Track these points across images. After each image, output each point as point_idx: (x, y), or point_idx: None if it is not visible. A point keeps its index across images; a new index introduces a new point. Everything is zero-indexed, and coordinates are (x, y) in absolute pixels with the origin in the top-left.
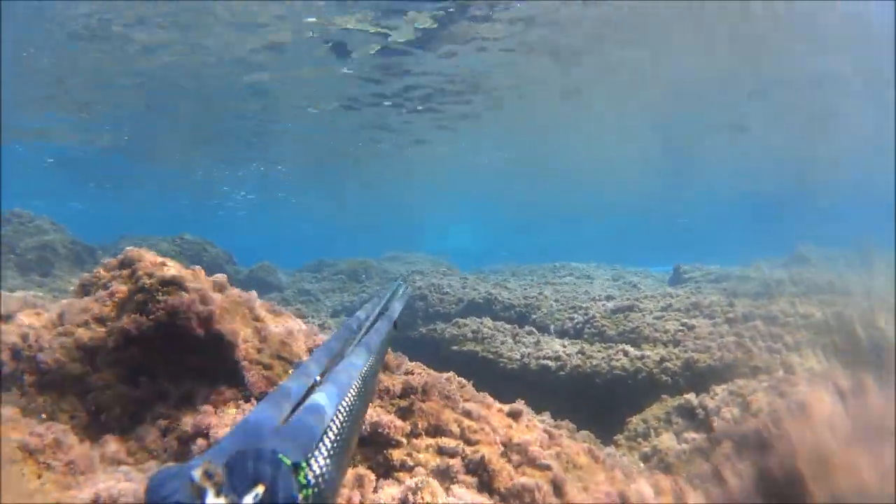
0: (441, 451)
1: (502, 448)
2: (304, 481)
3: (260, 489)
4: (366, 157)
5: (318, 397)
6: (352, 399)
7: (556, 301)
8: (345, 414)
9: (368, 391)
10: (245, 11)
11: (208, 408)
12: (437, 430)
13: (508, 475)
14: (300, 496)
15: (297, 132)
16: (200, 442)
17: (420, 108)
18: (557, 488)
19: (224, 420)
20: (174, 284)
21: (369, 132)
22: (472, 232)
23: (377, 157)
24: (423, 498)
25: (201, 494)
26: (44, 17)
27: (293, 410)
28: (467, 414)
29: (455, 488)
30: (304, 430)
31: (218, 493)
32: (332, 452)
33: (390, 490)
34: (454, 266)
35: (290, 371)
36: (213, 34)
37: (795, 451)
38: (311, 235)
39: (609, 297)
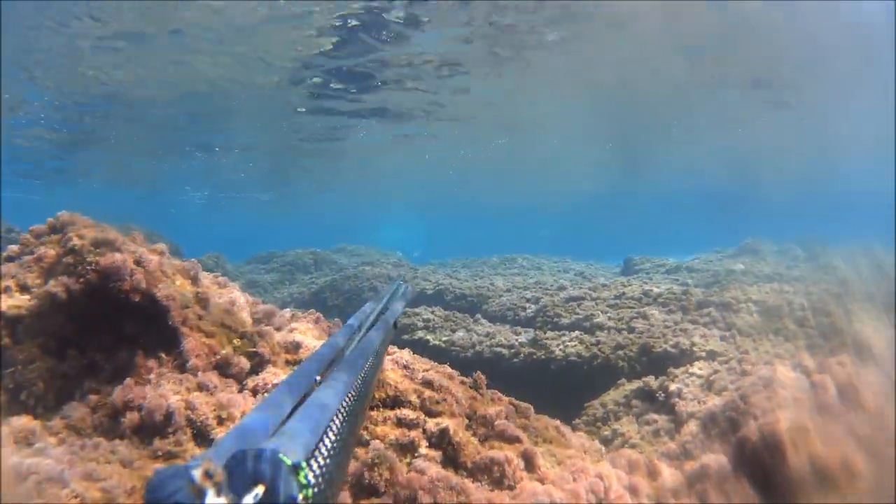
0: (400, 423)
1: (466, 421)
2: (304, 481)
3: (260, 489)
4: (316, 146)
5: (320, 396)
6: (352, 399)
7: (508, 291)
8: (345, 413)
9: (369, 391)
10: None
11: (142, 377)
12: (395, 402)
13: (475, 449)
14: (300, 496)
15: (250, 109)
16: (131, 415)
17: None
18: (529, 462)
19: (161, 391)
20: (108, 245)
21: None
22: (420, 227)
23: (328, 146)
24: (381, 475)
25: (201, 494)
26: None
27: (294, 409)
28: (428, 384)
29: (418, 463)
30: (305, 429)
31: (218, 493)
32: (332, 452)
33: None
34: (404, 258)
35: (234, 341)
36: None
37: (773, 419)
38: (258, 229)
39: (561, 287)
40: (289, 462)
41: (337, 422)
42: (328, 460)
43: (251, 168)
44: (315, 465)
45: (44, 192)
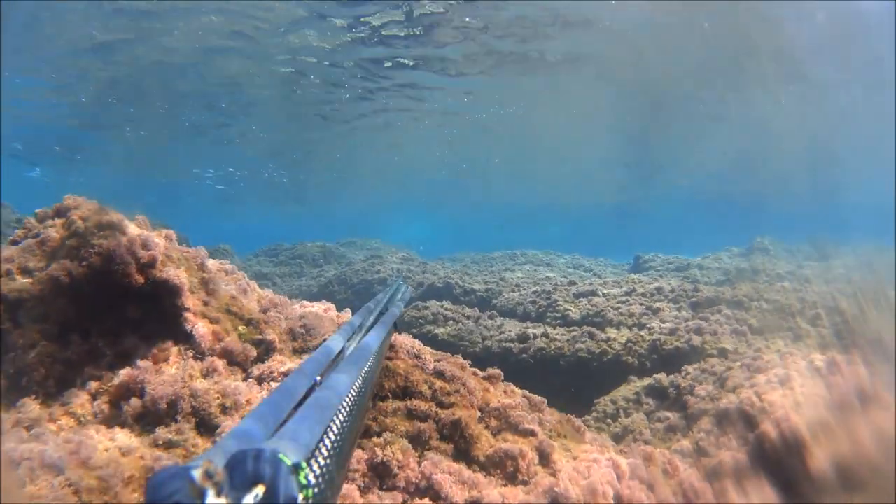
0: (411, 415)
1: (479, 413)
2: (304, 482)
3: (260, 489)
4: (328, 141)
5: (320, 397)
6: (353, 398)
7: (518, 286)
8: (345, 413)
9: (369, 390)
10: None
11: (145, 364)
12: (405, 392)
13: (488, 442)
14: (300, 496)
15: (266, 98)
16: (134, 401)
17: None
18: (544, 456)
19: (163, 377)
20: (112, 228)
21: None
22: (429, 225)
23: (340, 140)
24: (392, 453)
25: (201, 494)
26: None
27: (294, 409)
28: (439, 375)
29: (431, 455)
30: (306, 429)
31: (218, 494)
32: (332, 452)
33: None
34: (413, 253)
35: (240, 328)
36: None
37: (793, 416)
38: (266, 225)
39: (571, 283)
40: (289, 462)
41: (338, 422)
42: (328, 460)
43: (267, 138)
44: (315, 466)
45: (57, 176)
